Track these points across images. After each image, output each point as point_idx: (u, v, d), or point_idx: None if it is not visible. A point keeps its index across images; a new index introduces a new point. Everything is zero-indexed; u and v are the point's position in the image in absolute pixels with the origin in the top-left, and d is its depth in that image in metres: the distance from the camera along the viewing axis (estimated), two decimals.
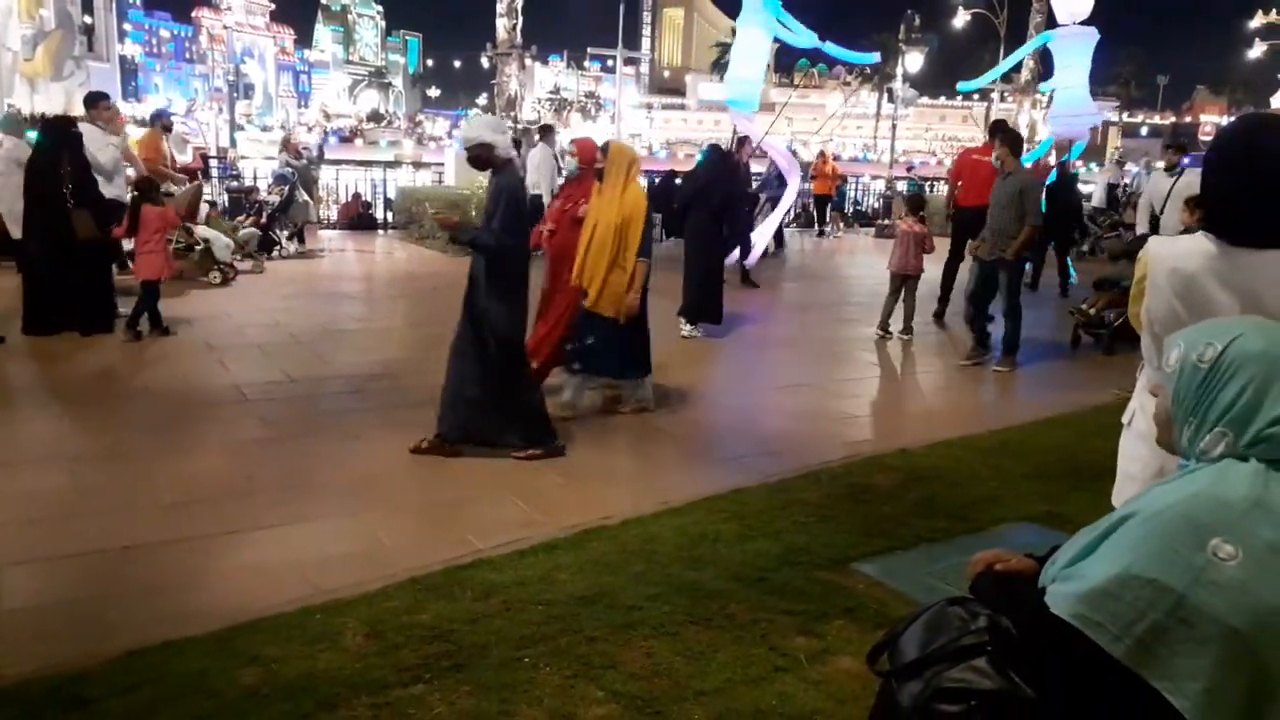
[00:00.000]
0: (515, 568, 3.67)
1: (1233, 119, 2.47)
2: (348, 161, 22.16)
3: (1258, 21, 35.36)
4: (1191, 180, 8.22)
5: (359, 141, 50.58)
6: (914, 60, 31.32)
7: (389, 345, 7.84)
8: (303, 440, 5.27)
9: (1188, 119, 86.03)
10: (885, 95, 57.11)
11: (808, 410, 6.58)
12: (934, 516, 4.40)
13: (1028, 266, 12.38)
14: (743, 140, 12.47)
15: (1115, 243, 9.20)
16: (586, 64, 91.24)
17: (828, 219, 20.15)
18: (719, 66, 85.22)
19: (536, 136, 12.91)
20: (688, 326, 8.66)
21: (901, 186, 25.58)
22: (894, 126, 33.30)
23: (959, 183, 10.42)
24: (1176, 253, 2.29)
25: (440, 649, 3.06)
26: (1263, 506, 1.51)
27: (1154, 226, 8.70)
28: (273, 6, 73.00)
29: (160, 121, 11.86)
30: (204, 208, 10.92)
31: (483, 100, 73.90)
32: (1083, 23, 13.81)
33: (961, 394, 7.24)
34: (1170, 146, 8.75)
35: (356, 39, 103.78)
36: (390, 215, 16.93)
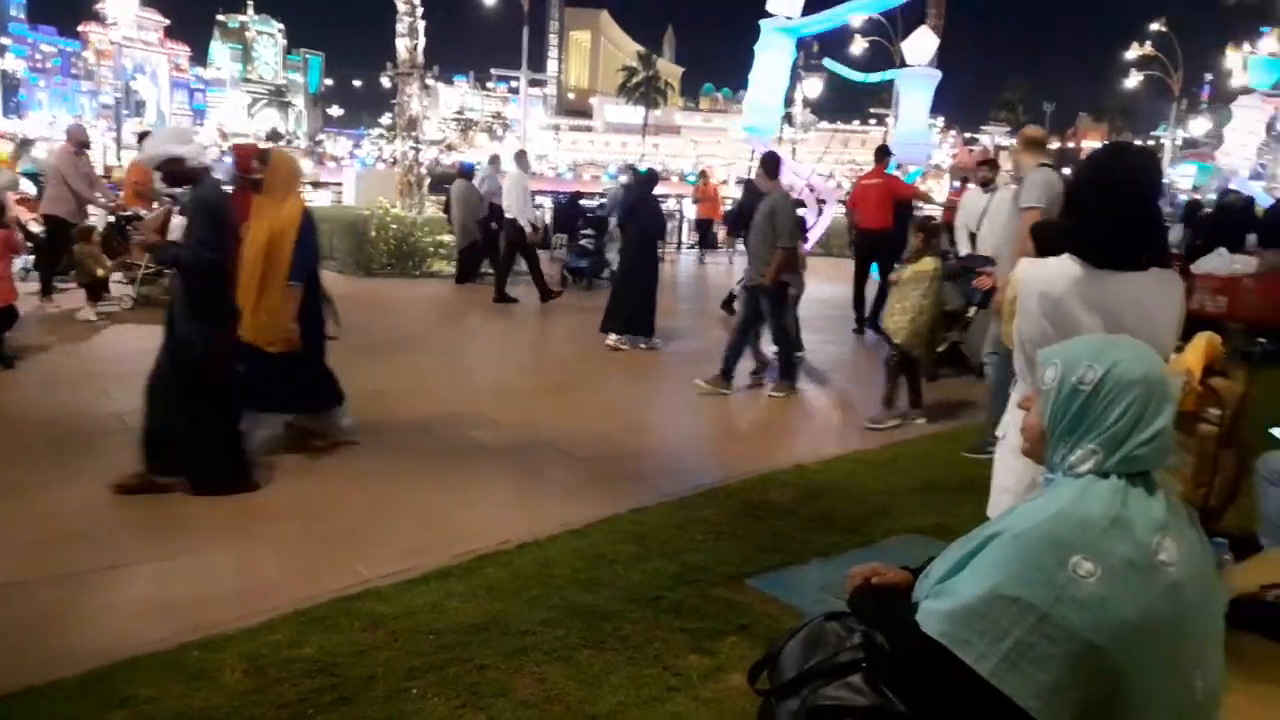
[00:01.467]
0: (405, 597, 3.58)
1: (1094, 150, 2.61)
2: None
3: (1133, 53, 37.37)
4: (1004, 197, 8.20)
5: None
6: (812, 86, 32.18)
7: None
8: None
9: (1071, 144, 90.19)
10: (786, 120, 58.34)
11: (709, 427, 6.64)
12: (827, 530, 4.46)
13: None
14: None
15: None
16: (492, 85, 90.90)
17: (718, 243, 19.36)
18: (626, 90, 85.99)
19: (513, 163, 13.05)
20: (613, 337, 8.91)
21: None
22: (794, 150, 34.10)
23: (857, 208, 10.76)
24: (1045, 276, 2.40)
25: (323, 683, 2.95)
26: (1120, 524, 1.57)
27: (974, 245, 8.42)
28: (167, 22, 70.72)
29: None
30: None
31: (386, 119, 72.83)
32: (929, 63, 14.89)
33: (855, 410, 7.36)
34: (983, 164, 8.72)
35: (255, 57, 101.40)
36: None
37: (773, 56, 11.92)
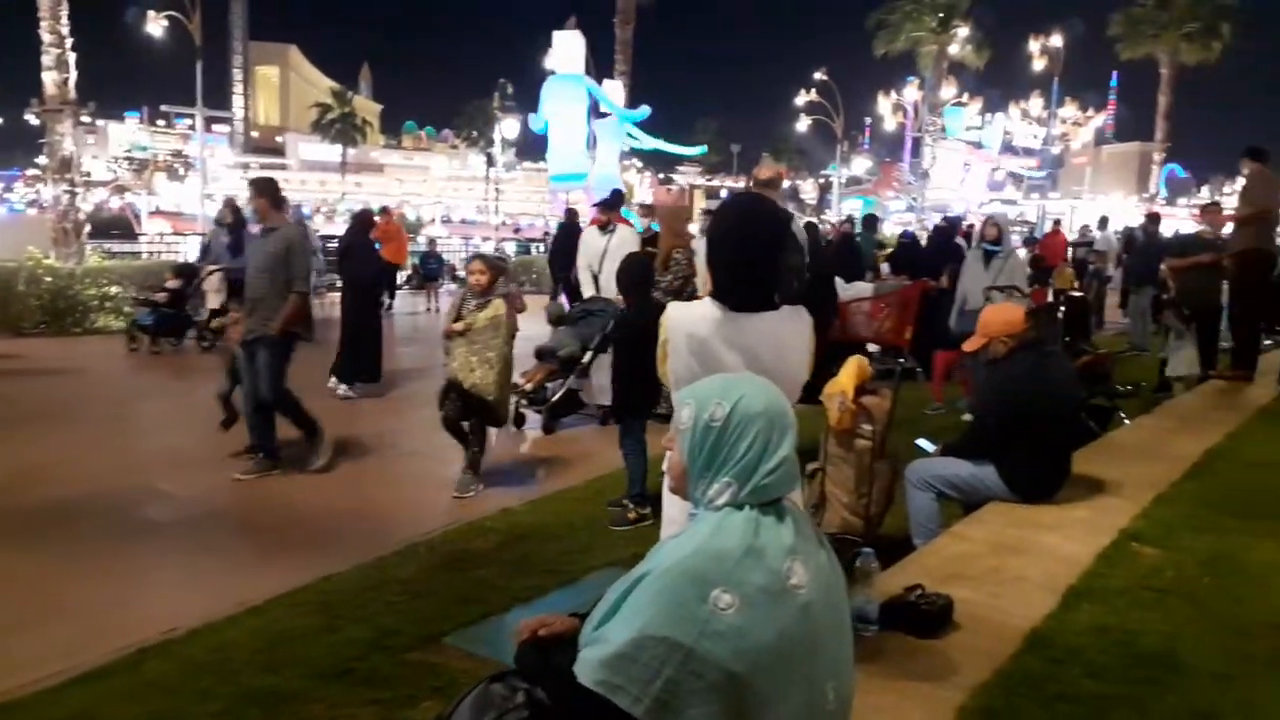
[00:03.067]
0: (48, 706, 3.13)
1: (722, 202, 2.79)
2: None
3: (802, 99, 41.06)
4: (624, 237, 8.38)
5: None
6: (510, 127, 32.63)
7: None
8: None
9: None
10: (487, 161, 58.70)
11: (412, 478, 6.44)
12: (529, 574, 4.42)
13: None
14: (571, 211, 12.99)
15: (552, 309, 9.00)
16: (164, 121, 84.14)
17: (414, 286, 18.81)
18: (320, 127, 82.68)
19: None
20: (343, 387, 8.60)
21: (510, 248, 26.35)
22: (498, 190, 34.37)
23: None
24: (691, 318, 2.54)
25: None
26: (754, 553, 1.64)
27: (597, 286, 8.37)
28: None
29: None
30: None
31: (44, 160, 65.17)
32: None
33: (562, 446, 7.42)
34: (598, 205, 9.02)
35: None
36: None
37: (566, 108, 12.53)
